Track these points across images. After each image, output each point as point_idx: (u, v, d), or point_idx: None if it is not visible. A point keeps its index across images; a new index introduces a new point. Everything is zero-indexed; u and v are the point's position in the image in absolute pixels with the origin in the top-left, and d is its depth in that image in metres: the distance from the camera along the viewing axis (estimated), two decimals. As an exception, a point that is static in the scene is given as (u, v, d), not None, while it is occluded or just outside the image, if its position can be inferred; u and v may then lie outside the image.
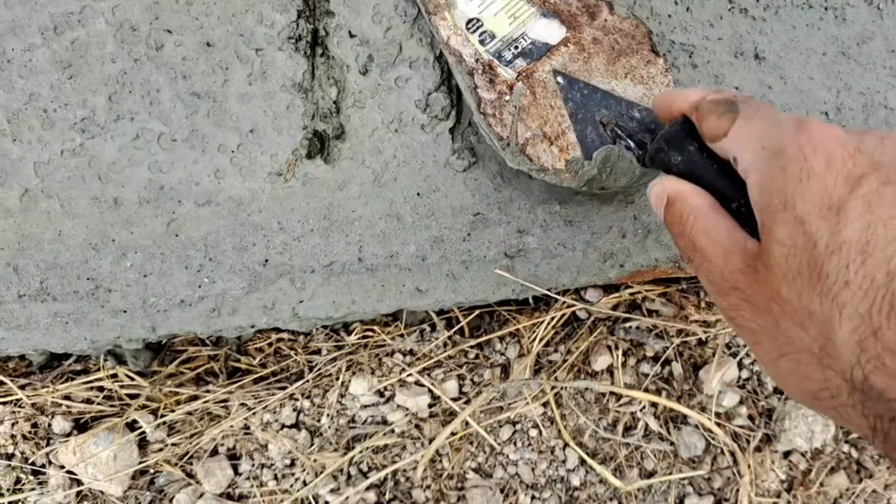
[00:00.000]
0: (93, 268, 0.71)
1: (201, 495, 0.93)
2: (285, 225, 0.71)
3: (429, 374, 0.92)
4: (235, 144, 0.71)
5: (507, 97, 0.66)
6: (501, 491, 0.98)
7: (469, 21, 0.67)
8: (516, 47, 0.66)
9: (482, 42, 0.67)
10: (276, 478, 0.94)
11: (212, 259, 0.71)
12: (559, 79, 0.66)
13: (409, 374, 0.92)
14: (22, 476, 0.89)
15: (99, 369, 0.85)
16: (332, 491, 0.94)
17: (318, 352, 0.90)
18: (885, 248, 0.37)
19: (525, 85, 0.66)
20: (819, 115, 0.71)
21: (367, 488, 0.95)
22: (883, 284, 0.36)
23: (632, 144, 0.61)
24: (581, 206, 0.71)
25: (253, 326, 0.72)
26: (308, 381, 0.89)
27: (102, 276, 0.71)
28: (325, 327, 0.89)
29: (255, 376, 0.90)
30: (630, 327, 0.94)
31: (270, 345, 0.90)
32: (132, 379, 0.86)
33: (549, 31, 0.66)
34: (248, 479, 0.94)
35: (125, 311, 0.71)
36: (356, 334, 0.89)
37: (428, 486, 0.97)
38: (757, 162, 0.43)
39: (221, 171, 0.71)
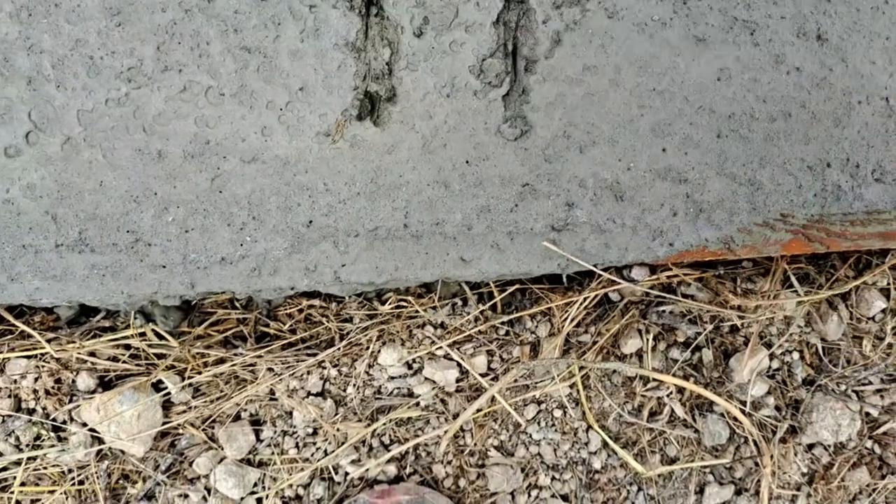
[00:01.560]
0: (133, 221, 0.69)
1: (221, 460, 0.92)
2: (331, 186, 0.70)
3: (458, 349, 0.91)
4: (284, 102, 0.69)
5: None
6: (522, 470, 0.97)
7: None
8: None
9: None
10: (297, 446, 0.93)
11: (255, 217, 0.70)
12: None
13: (439, 348, 0.91)
14: (42, 432, 0.87)
15: (127, 327, 0.84)
16: (352, 462, 0.93)
17: (349, 320, 0.89)
18: None
19: None
20: (879, 101, 0.70)
21: (388, 461, 0.94)
22: None
23: None
24: (633, 181, 0.70)
25: (293, 288, 0.71)
26: (339, 348, 0.88)
27: (143, 229, 0.69)
28: (358, 295, 0.87)
29: (284, 342, 0.88)
30: (663, 311, 0.93)
31: (301, 311, 0.88)
32: (160, 338, 0.85)
33: None
34: (269, 446, 0.93)
35: (164, 267, 0.70)
36: (390, 304, 0.87)
37: (449, 462, 0.96)
38: None
39: (269, 129, 0.69)
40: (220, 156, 0.69)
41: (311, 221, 0.70)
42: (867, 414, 0.98)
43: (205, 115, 0.69)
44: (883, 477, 0.99)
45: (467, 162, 0.70)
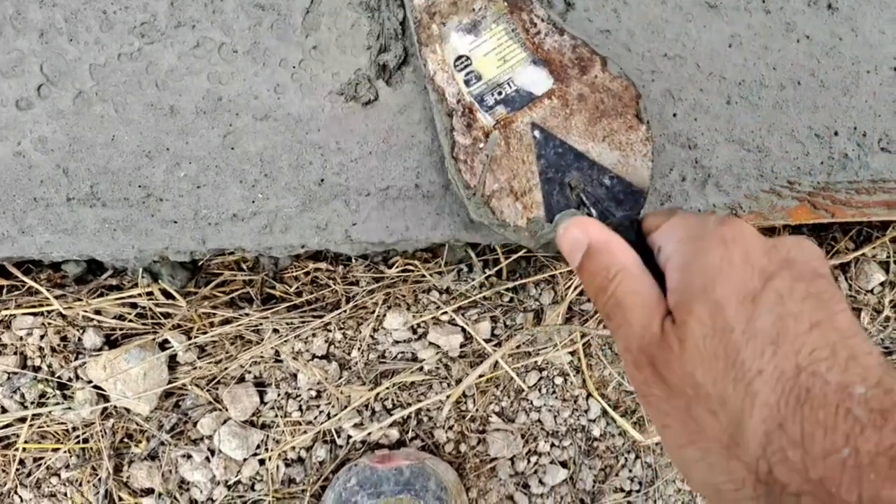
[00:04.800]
0: (145, 175, 0.69)
1: (225, 421, 0.92)
2: (343, 145, 0.70)
3: (463, 314, 0.92)
4: (297, 60, 0.69)
5: (482, 144, 0.64)
6: (522, 436, 0.98)
7: (458, 58, 0.65)
8: (500, 93, 0.64)
9: (467, 82, 0.64)
10: (300, 409, 0.94)
11: (267, 175, 0.70)
12: (536, 133, 0.64)
13: (444, 313, 0.91)
14: (48, 390, 0.88)
15: (134, 285, 0.84)
16: (355, 425, 0.94)
17: (356, 283, 0.89)
18: (794, 342, 0.38)
19: (501, 135, 0.64)
20: (888, 71, 0.71)
21: (391, 425, 0.95)
22: (792, 377, 0.37)
23: (594, 213, 0.60)
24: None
25: (304, 246, 0.71)
26: (345, 310, 0.88)
27: (155, 184, 0.70)
28: (364, 258, 0.88)
29: (290, 304, 0.89)
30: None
31: (307, 274, 0.89)
32: (167, 297, 0.85)
33: (536, 80, 0.64)
34: (272, 408, 0.93)
35: (175, 222, 0.70)
36: (396, 267, 0.88)
37: (451, 427, 0.97)
38: (681, 246, 0.46)
39: (282, 87, 0.69)
40: (233, 112, 0.69)
41: (322, 180, 0.70)
42: (862, 386, 1.00)
43: (217, 72, 0.69)
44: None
45: (479, 124, 0.71)
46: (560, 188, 0.63)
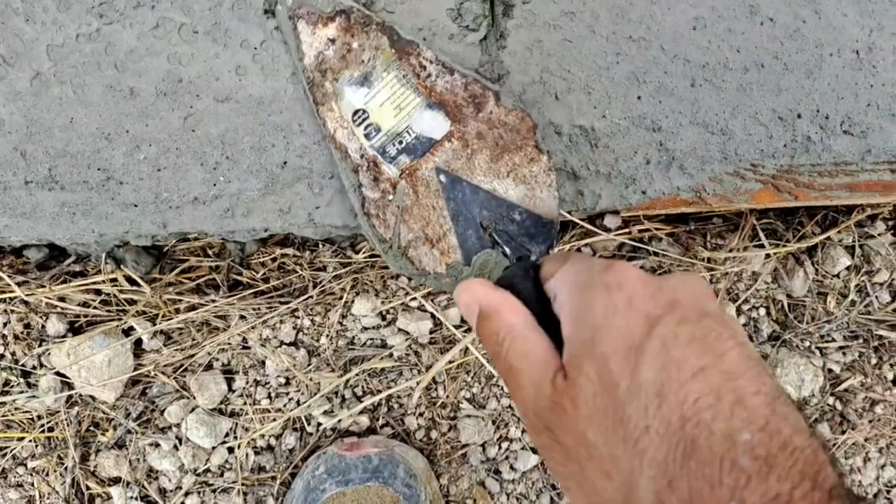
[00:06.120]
0: (104, 158, 0.68)
1: (193, 409, 0.92)
2: (306, 128, 0.69)
3: (433, 300, 0.92)
4: (259, 41, 0.68)
5: (391, 196, 0.64)
6: (493, 422, 0.98)
7: (355, 112, 0.64)
8: (401, 142, 0.64)
9: (367, 136, 0.64)
10: (269, 396, 0.93)
11: (229, 157, 0.69)
12: (442, 177, 0.64)
13: (413, 299, 0.91)
14: (11, 378, 0.87)
15: (98, 272, 0.83)
16: (325, 413, 0.94)
17: (323, 269, 0.89)
18: (679, 392, 0.36)
19: (408, 184, 0.64)
20: (850, 54, 0.71)
21: (361, 412, 0.95)
22: (677, 429, 0.36)
23: (507, 251, 0.60)
24: (608, 128, 0.71)
25: (266, 230, 0.71)
26: (312, 296, 0.88)
27: (114, 167, 0.69)
28: (331, 243, 0.87)
29: (257, 290, 0.88)
30: (635, 265, 0.94)
31: (274, 260, 0.88)
32: (132, 284, 0.84)
33: (434, 125, 0.64)
34: (241, 396, 0.93)
35: (136, 206, 0.69)
36: (364, 253, 0.87)
37: (421, 414, 0.97)
38: (572, 294, 0.44)
39: (243, 68, 0.69)
40: (194, 94, 0.68)
41: (285, 162, 0.70)
42: (829, 370, 1.01)
43: (178, 53, 0.68)
44: (843, 432, 1.02)
45: (443, 106, 0.70)
46: (473, 229, 0.64)
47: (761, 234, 0.91)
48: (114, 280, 0.83)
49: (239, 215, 0.70)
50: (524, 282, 0.50)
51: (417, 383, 0.94)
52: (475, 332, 0.50)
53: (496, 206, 0.64)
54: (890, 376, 1.02)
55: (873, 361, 1.01)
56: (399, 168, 0.64)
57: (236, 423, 0.92)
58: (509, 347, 0.45)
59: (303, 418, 0.94)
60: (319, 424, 0.95)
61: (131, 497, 0.92)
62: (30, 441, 0.89)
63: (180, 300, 0.86)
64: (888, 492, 1.04)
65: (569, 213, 0.74)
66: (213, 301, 0.86)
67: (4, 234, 0.69)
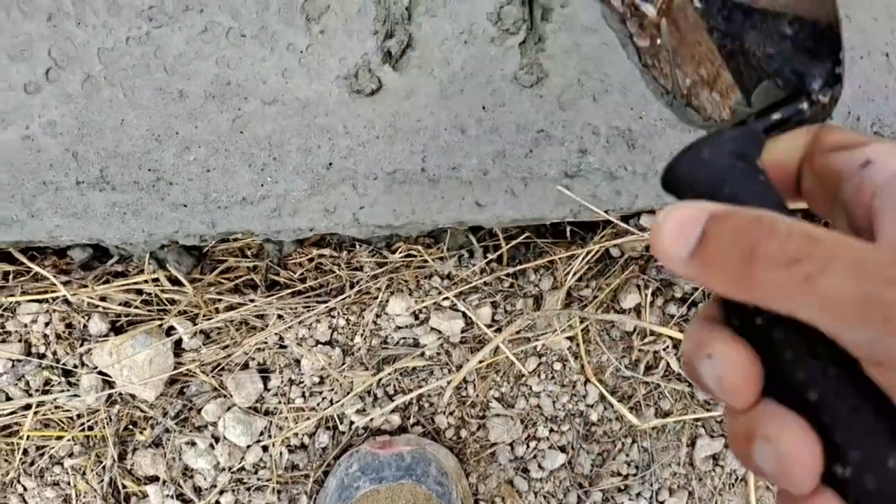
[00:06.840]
0: (155, 159, 0.70)
1: (229, 408, 0.93)
2: (351, 129, 0.71)
3: (464, 299, 0.93)
4: (305, 45, 0.70)
5: (659, 40, 0.56)
6: (522, 422, 1.00)
7: None
8: None
9: None
10: (303, 395, 0.94)
11: (276, 159, 0.71)
12: (696, 1, 0.53)
13: (446, 298, 0.93)
14: (53, 377, 0.88)
15: (140, 272, 0.84)
16: (357, 411, 0.95)
17: (360, 268, 0.90)
18: None
19: (669, 21, 0.55)
20: (880, 57, 0.73)
21: (392, 411, 0.96)
22: None
23: (779, 82, 0.47)
24: (645, 129, 0.72)
25: (312, 230, 0.72)
26: (349, 296, 0.89)
27: (164, 168, 0.70)
28: (367, 243, 0.89)
29: (294, 290, 0.90)
30: (662, 266, 0.95)
31: (311, 260, 0.90)
32: (173, 283, 0.86)
33: None
34: (276, 395, 0.94)
35: (185, 206, 0.71)
36: (399, 253, 0.89)
37: (451, 413, 0.98)
38: None
39: (289, 71, 0.70)
40: (241, 97, 0.70)
41: (330, 164, 0.71)
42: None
43: (226, 56, 0.70)
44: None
45: (484, 108, 0.72)
46: (744, 58, 0.50)
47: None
48: (155, 280, 0.85)
49: (286, 215, 0.72)
50: (750, 148, 0.37)
51: (448, 382, 0.95)
52: (695, 251, 0.32)
53: (761, 22, 0.50)
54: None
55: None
56: (656, 6, 0.56)
57: (271, 422, 0.94)
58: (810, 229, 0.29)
59: (336, 417, 0.95)
60: (352, 423, 0.96)
61: (167, 495, 0.93)
62: (68, 440, 0.91)
63: (220, 300, 0.87)
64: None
65: (606, 211, 0.76)
66: (252, 301, 0.87)
67: (56, 234, 0.71)
